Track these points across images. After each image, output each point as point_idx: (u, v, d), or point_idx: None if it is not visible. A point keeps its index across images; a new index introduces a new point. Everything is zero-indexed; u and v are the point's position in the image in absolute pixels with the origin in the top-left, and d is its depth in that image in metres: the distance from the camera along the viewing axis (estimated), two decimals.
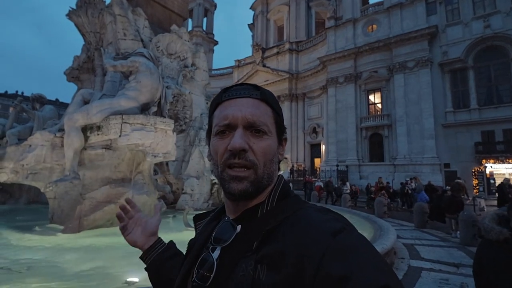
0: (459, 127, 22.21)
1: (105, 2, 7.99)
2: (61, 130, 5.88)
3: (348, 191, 16.55)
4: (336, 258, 0.50)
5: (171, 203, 8.64)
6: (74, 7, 8.18)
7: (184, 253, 0.81)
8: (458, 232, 7.44)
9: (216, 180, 9.51)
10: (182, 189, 8.95)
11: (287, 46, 34.40)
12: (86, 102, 6.31)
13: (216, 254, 0.64)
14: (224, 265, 0.61)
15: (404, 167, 23.26)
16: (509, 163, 20.00)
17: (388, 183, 17.66)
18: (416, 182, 15.15)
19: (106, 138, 5.84)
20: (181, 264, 0.76)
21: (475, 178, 20.62)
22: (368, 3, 29.61)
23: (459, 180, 11.92)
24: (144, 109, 6.75)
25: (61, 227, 5.00)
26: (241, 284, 0.56)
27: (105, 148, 5.92)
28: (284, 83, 33.60)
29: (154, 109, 7.24)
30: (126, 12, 7.76)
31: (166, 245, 0.92)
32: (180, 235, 5.59)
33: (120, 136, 5.81)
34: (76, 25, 8.40)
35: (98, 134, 5.82)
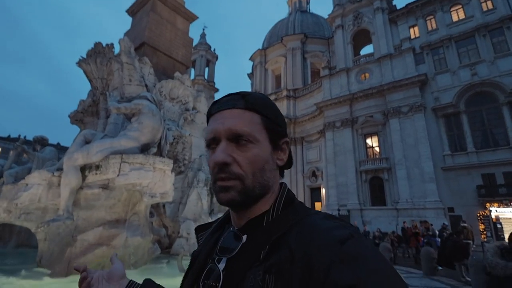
0: (459, 170, 22.18)
1: (114, 52, 8.60)
2: (60, 169, 5.88)
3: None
4: (344, 266, 0.49)
5: (165, 247, 8.26)
6: (85, 56, 8.78)
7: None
8: (468, 276, 6.99)
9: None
10: (178, 233, 8.62)
11: (284, 93, 36.05)
12: (87, 142, 6.42)
13: (222, 265, 0.64)
14: (231, 276, 0.60)
15: (407, 211, 22.67)
16: None
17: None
18: (422, 227, 14.60)
19: (104, 177, 5.82)
20: (184, 277, 0.74)
21: (481, 223, 19.96)
22: (360, 54, 31.79)
23: (465, 225, 11.57)
24: (144, 149, 6.84)
25: (49, 271, 4.72)
26: None
27: (102, 187, 5.86)
28: None
29: (154, 150, 7.35)
30: (133, 60, 8.31)
31: (142, 284, 0.83)
32: (173, 281, 5.25)
33: (118, 175, 5.80)
34: (84, 72, 8.93)
35: (96, 174, 5.81)
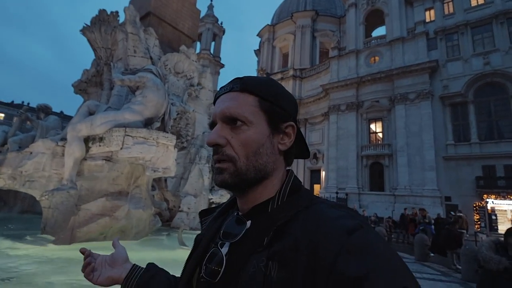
0: (460, 160, 22.19)
1: (118, 20, 8.33)
2: (64, 139, 5.89)
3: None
4: (351, 257, 0.48)
5: (166, 220, 8.47)
6: (89, 23, 8.52)
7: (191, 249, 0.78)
8: (459, 264, 7.20)
9: (213, 200, 9.37)
10: (179, 207, 8.81)
11: (291, 72, 35.34)
12: (91, 113, 6.39)
13: (225, 249, 0.63)
14: (234, 261, 0.60)
15: (404, 198, 22.96)
16: (511, 199, 19.74)
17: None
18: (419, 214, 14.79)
19: (108, 149, 5.85)
20: (187, 261, 0.74)
21: (476, 213, 20.25)
22: (371, 36, 30.77)
23: (460, 214, 11.73)
24: (147, 123, 6.81)
25: (53, 238, 4.87)
26: (252, 280, 0.54)
27: (105, 159, 5.90)
28: None
29: (158, 124, 7.31)
30: (138, 31, 8.06)
31: (146, 267, 0.83)
32: (173, 253, 5.44)
33: (121, 148, 5.82)
34: (88, 40, 8.70)
35: (99, 145, 5.83)
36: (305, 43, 37.49)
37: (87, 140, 5.85)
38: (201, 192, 9.22)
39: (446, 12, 25.41)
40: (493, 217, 19.59)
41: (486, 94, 22.21)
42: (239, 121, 0.65)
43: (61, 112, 50.53)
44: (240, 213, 0.69)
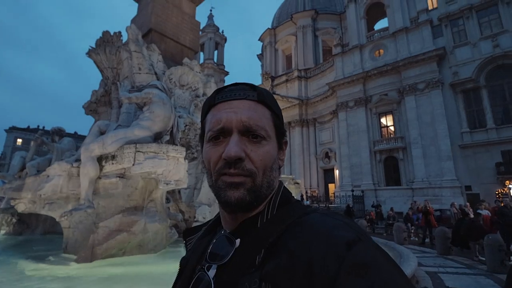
0: (477, 148, 21.51)
1: (122, 40, 8.59)
2: (78, 160, 6.09)
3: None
4: (353, 275, 0.44)
5: (183, 231, 8.58)
6: (94, 45, 8.81)
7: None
8: (482, 257, 6.96)
9: None
10: (194, 217, 8.90)
11: (295, 73, 35.30)
12: (102, 132, 6.59)
13: (212, 272, 0.58)
14: (223, 285, 0.55)
15: (423, 190, 22.42)
16: None
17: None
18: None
19: (120, 167, 6.00)
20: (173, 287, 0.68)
21: (501, 201, 19.51)
22: (374, 29, 30.45)
23: (485, 203, 11.33)
24: (157, 138, 6.96)
25: (75, 257, 5.02)
26: None
27: (119, 176, 6.06)
28: (295, 109, 34.03)
29: (167, 137, 7.47)
30: (141, 49, 8.29)
31: None
32: None
33: (133, 164, 5.96)
34: (95, 62, 9.00)
35: (112, 163, 5.99)
36: (307, 43, 37.44)
37: (100, 159, 6.03)
38: (214, 201, 9.28)
39: None
40: None
41: (499, 77, 21.56)
42: (259, 135, 0.60)
43: (75, 132, 52.08)
44: (227, 231, 0.63)
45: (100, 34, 8.83)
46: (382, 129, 27.03)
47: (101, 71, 9.22)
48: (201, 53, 44.42)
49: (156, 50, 9.08)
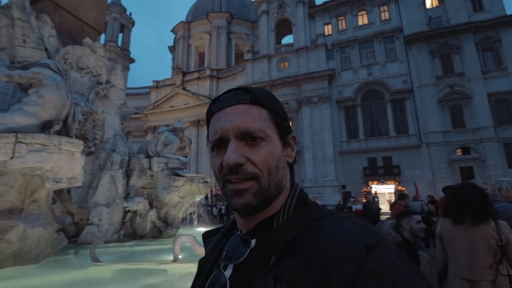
0: (352, 154, 26.47)
1: (0, 1, 6.89)
2: None
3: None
4: (372, 280, 0.43)
5: (72, 236, 7.46)
6: None
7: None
8: None
9: (130, 208, 8.71)
10: (87, 220, 7.87)
11: (208, 72, 35.24)
12: None
13: (228, 272, 0.59)
14: (238, 284, 0.56)
15: (311, 189, 25.95)
16: (387, 184, 24.74)
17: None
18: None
19: None
20: (191, 287, 0.69)
21: (365, 198, 24.63)
22: (281, 43, 33.41)
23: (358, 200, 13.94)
24: (45, 127, 5.90)
25: None
26: None
27: None
28: (205, 108, 33.78)
29: (58, 127, 6.38)
30: (28, 17, 6.84)
31: None
32: (85, 272, 4.88)
33: (11, 157, 4.90)
34: None
35: None
36: (221, 44, 37.93)
37: None
38: (114, 201, 8.45)
39: (340, 28, 29.72)
40: (376, 199, 24.16)
41: (370, 98, 27.06)
42: (257, 136, 0.61)
43: None
44: (243, 232, 0.65)
45: None
46: None
47: None
48: (103, 34, 39.01)
49: (49, 22, 7.65)
